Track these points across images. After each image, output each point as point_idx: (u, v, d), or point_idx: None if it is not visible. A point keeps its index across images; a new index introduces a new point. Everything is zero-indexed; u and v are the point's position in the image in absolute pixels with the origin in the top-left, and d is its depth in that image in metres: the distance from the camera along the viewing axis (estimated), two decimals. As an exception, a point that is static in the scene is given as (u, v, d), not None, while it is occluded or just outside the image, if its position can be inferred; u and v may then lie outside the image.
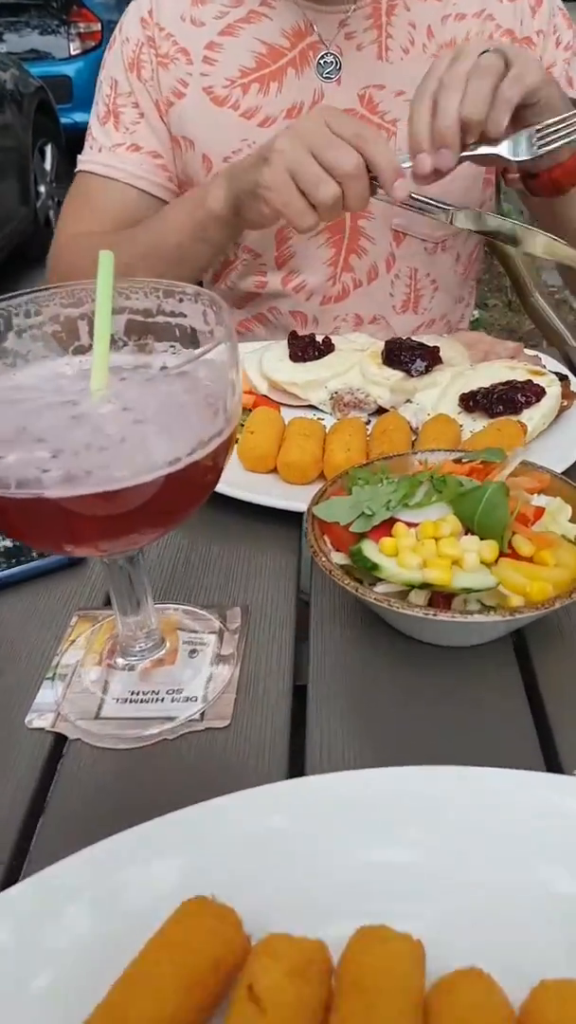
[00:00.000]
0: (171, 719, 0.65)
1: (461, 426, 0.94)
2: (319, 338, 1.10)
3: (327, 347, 1.09)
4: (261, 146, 1.03)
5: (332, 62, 1.19)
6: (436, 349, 1.04)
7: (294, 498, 0.86)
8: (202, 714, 0.65)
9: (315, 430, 0.94)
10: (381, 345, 1.07)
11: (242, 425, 0.99)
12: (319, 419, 1.03)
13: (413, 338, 1.07)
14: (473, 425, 0.94)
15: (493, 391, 0.94)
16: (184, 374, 0.54)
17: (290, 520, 0.86)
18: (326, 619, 0.75)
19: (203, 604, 0.76)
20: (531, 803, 0.51)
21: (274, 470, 0.92)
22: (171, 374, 0.55)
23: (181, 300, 0.62)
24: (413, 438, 0.96)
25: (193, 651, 0.70)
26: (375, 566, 0.65)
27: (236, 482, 0.90)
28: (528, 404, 0.92)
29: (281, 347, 1.11)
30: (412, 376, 1.01)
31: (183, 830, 0.51)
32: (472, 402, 0.94)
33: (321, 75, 1.19)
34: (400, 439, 0.90)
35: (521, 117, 0.98)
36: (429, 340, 1.08)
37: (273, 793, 0.53)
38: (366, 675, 0.69)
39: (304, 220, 0.99)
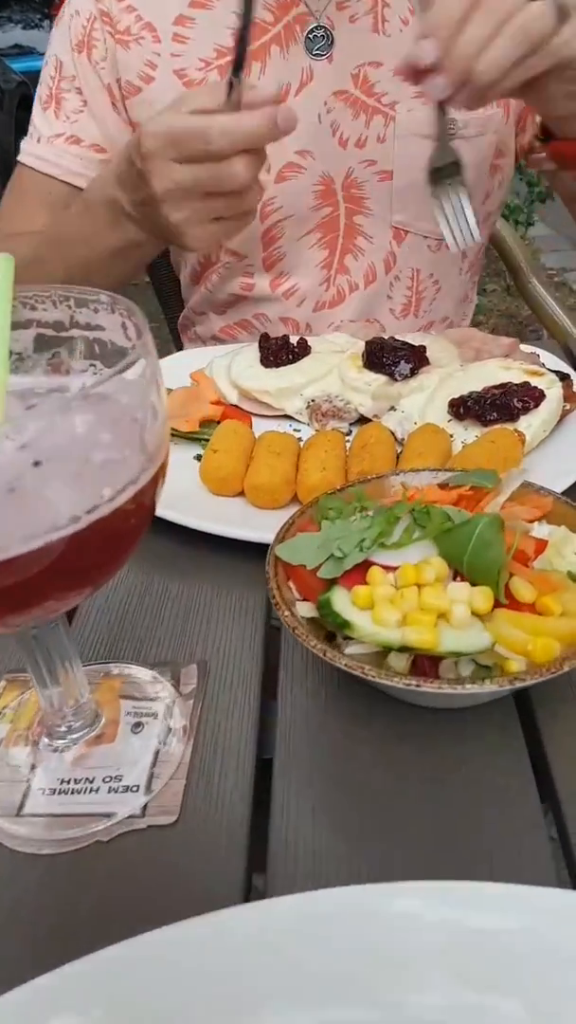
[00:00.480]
0: (108, 816, 0.54)
1: (451, 436, 0.82)
2: (293, 339, 0.99)
3: (302, 350, 0.98)
4: (146, 207, 0.88)
5: (323, 36, 1.04)
6: (422, 349, 0.92)
7: (264, 527, 0.75)
8: (144, 808, 0.54)
9: (287, 446, 0.82)
10: (362, 346, 0.96)
11: (206, 441, 0.88)
12: (295, 431, 0.92)
13: (397, 337, 0.95)
14: (465, 435, 0.83)
15: (486, 396, 0.82)
16: (94, 400, 0.43)
17: (259, 551, 0.75)
18: (297, 678, 0.64)
19: (154, 662, 0.65)
20: (552, 933, 0.40)
21: (242, 492, 0.81)
22: (79, 399, 0.44)
23: (96, 311, 0.51)
24: (398, 450, 0.85)
25: (138, 724, 0.59)
26: (346, 623, 0.54)
27: (198, 508, 0.79)
28: (525, 410, 0.80)
29: (252, 351, 1.00)
30: (396, 380, 0.90)
31: (98, 980, 0.40)
32: (463, 408, 0.83)
33: (310, 52, 1.05)
34: (382, 454, 0.79)
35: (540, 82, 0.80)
36: (415, 339, 0.96)
37: (216, 926, 0.42)
38: (343, 747, 0.58)
39: (245, 224, 0.89)
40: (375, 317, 1.18)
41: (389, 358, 0.91)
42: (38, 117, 1.13)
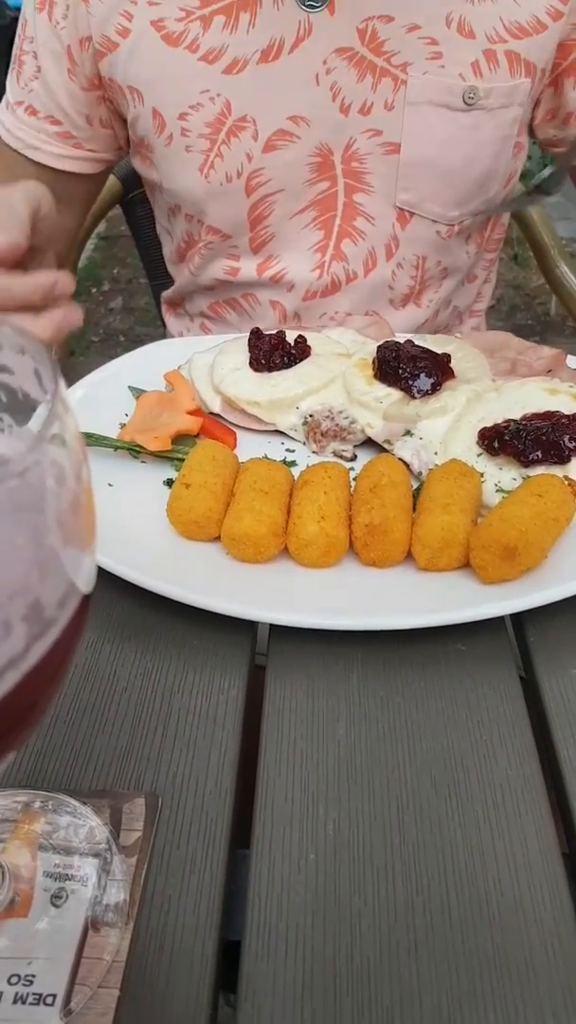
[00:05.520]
0: (7, 1046, 0.39)
1: (482, 476, 0.66)
2: (290, 337, 0.82)
3: (301, 352, 0.81)
4: None
5: None
6: (446, 359, 0.76)
7: (248, 591, 0.60)
8: (59, 1036, 0.39)
9: (277, 481, 0.66)
10: (372, 349, 0.79)
11: (180, 462, 0.72)
12: (288, 452, 0.76)
13: (415, 341, 0.79)
14: (499, 475, 0.66)
15: (528, 428, 0.66)
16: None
17: (240, 623, 0.59)
18: (279, 821, 0.48)
19: (88, 791, 0.49)
20: None
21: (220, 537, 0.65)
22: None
23: (-1, 346, 0.34)
24: (415, 486, 0.69)
25: (59, 895, 0.44)
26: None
27: (163, 558, 0.63)
28: None
29: (240, 348, 0.83)
30: (414, 397, 0.74)
31: None
32: (498, 442, 0.67)
33: (303, 2, 0.87)
34: (395, 500, 0.62)
35: None
36: (437, 344, 0.80)
37: None
38: (332, 932, 0.43)
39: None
40: (373, 309, 1.01)
41: (406, 369, 0.74)
42: (9, 79, 0.98)
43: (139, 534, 0.65)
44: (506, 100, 0.92)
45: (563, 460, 0.64)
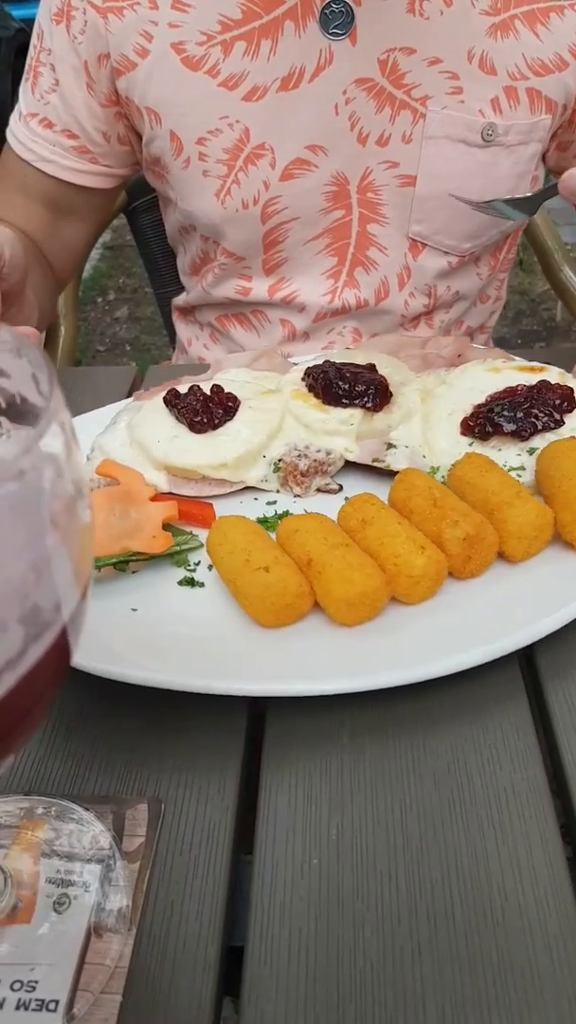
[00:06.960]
0: (10, 1052, 0.38)
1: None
2: (205, 388, 0.76)
3: (232, 400, 0.75)
4: None
5: (341, 12, 0.86)
6: (373, 368, 0.76)
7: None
8: (62, 1041, 0.39)
9: (340, 532, 0.60)
10: (291, 379, 0.78)
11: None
12: (268, 505, 0.71)
13: (329, 359, 0.77)
14: (503, 457, 0.67)
15: (512, 404, 0.68)
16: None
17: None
18: (281, 826, 0.48)
19: (91, 796, 0.49)
20: None
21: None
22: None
23: (-6, 350, 0.34)
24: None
25: (61, 901, 0.44)
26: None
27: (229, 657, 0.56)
28: (570, 409, 0.67)
29: (154, 416, 0.75)
30: (373, 410, 0.72)
31: None
32: (490, 426, 0.67)
33: (326, 31, 0.87)
34: (464, 506, 0.60)
35: None
36: (344, 358, 0.78)
37: None
38: (335, 937, 0.43)
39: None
40: (383, 329, 1.02)
41: (354, 387, 0.73)
42: (22, 88, 0.98)
43: (192, 642, 0.57)
44: (525, 137, 0.93)
45: (558, 424, 0.66)
